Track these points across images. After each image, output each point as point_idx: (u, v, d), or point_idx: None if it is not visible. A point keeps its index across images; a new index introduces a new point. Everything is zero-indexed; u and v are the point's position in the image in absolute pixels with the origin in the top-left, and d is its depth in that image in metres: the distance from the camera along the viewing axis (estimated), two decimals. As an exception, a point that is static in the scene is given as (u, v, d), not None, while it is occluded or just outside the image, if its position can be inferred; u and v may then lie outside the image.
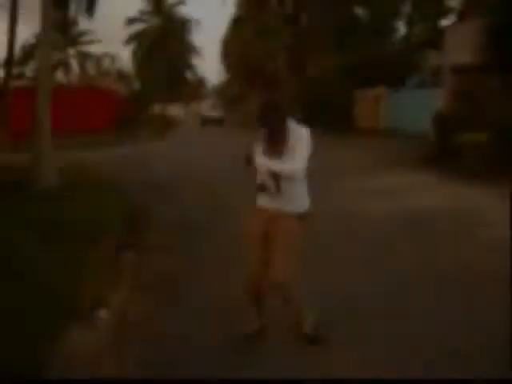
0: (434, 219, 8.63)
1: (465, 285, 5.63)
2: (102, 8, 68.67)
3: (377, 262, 6.48)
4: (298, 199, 4.21)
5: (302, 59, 39.62)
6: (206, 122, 56.83)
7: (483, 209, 9.29)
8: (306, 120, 4.28)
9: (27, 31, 55.37)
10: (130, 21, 57.10)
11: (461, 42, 17.59)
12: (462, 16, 32.12)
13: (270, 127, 4.05)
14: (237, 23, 44.79)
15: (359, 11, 39.37)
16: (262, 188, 4.15)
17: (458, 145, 13.61)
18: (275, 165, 4.01)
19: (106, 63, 77.14)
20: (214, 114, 61.97)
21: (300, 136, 4.02)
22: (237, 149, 5.33)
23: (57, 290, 5.22)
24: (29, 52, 45.89)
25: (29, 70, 47.99)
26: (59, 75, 44.06)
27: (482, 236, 7.52)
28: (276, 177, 4.05)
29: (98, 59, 62.81)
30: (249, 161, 4.11)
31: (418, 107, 22.38)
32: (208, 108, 70.52)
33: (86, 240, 7.24)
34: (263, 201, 4.25)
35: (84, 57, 47.35)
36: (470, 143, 13.09)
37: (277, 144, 4.06)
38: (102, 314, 5.14)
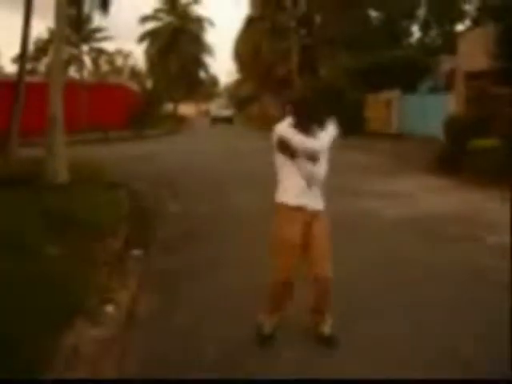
0: (444, 223, 8.60)
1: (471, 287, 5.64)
2: (115, 5, 68.66)
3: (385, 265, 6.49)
4: (322, 196, 4.35)
5: (314, 61, 39.61)
6: (216, 120, 57.57)
7: (493, 214, 9.25)
8: (316, 122, 4.26)
9: (41, 26, 55.50)
10: (144, 19, 57.11)
11: (474, 48, 17.54)
12: (476, 22, 32.07)
13: (312, 116, 4.21)
14: (250, 23, 44.78)
15: (373, 14, 39.32)
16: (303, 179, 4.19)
17: (470, 150, 13.57)
18: (313, 142, 4.12)
19: (120, 60, 77.76)
20: (224, 112, 63.06)
21: (329, 129, 4.22)
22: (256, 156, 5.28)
23: (65, 284, 5.26)
24: (42, 47, 46.19)
25: (42, 65, 48.35)
26: (72, 71, 44.29)
27: (490, 241, 7.50)
28: (313, 157, 4.15)
29: (111, 56, 63.20)
30: (282, 144, 4.15)
31: (430, 112, 22.31)
32: (218, 107, 71.11)
33: (96, 235, 7.29)
34: (299, 200, 4.21)
35: (97, 53, 47.48)
36: (482, 149, 13.05)
37: (308, 131, 4.17)
38: (109, 309, 5.18)
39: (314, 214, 4.25)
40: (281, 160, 4.25)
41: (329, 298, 4.37)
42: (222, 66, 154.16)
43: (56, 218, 7.70)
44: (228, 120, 57.27)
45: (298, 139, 4.08)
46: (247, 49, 44.14)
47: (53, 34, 15.16)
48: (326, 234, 4.32)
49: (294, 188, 4.21)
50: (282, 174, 4.30)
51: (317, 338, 4.41)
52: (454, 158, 14.04)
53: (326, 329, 4.40)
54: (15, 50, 57.54)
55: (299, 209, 4.21)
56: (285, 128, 4.17)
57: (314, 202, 4.25)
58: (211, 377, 3.59)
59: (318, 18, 41.06)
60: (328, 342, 4.34)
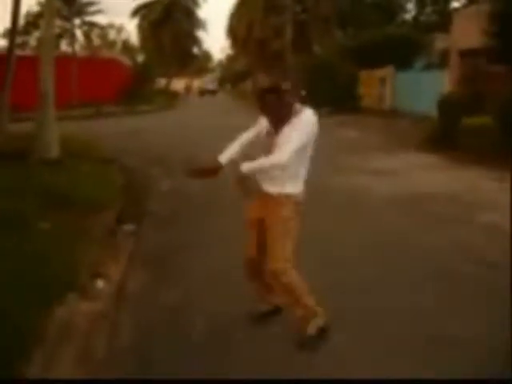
0: (436, 201, 8.62)
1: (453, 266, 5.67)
2: (108, -22, 67.73)
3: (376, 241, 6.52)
4: (291, 180, 3.90)
5: (308, 37, 39.37)
6: (203, 92, 69.54)
7: (484, 192, 9.29)
8: (309, 99, 4.10)
9: (31, 0, 54.77)
10: (138, -8, 56.56)
11: (469, 26, 17.45)
12: (471, 0, 31.88)
13: (269, 112, 3.80)
14: (244, -2, 44.40)
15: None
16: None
17: (463, 128, 13.57)
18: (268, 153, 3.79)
19: (112, 35, 77.07)
20: (210, 86, 74.84)
21: (297, 126, 3.70)
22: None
23: (56, 259, 5.26)
24: (33, 21, 45.63)
25: (33, 39, 47.82)
26: (64, 45, 43.84)
27: (479, 219, 7.53)
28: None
29: (103, 30, 62.51)
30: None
31: (423, 89, 22.24)
32: (207, 82, 79.81)
33: (87, 210, 7.29)
34: (258, 181, 3.95)
35: (89, 27, 46.96)
36: (474, 126, 13.06)
37: (276, 126, 3.82)
38: (100, 284, 5.20)
39: (272, 197, 3.90)
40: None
41: (295, 292, 3.93)
42: (216, 41, 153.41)
43: (47, 193, 7.67)
44: (212, 92, 70.28)
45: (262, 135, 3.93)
46: (241, 24, 43.75)
47: (43, 7, 14.96)
48: (279, 221, 3.88)
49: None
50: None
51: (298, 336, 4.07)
52: (447, 135, 14.05)
53: (309, 327, 4.02)
54: (5, 23, 56.90)
55: (260, 191, 3.96)
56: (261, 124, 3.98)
57: (271, 185, 3.90)
58: (211, 377, 3.60)
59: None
60: (306, 342, 4.00)
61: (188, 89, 74.13)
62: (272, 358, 3.89)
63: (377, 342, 4.06)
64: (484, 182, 10.13)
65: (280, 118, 3.77)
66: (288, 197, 3.88)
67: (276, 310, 4.42)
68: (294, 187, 3.90)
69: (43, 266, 5.00)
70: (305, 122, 3.72)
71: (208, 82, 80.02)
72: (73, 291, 4.77)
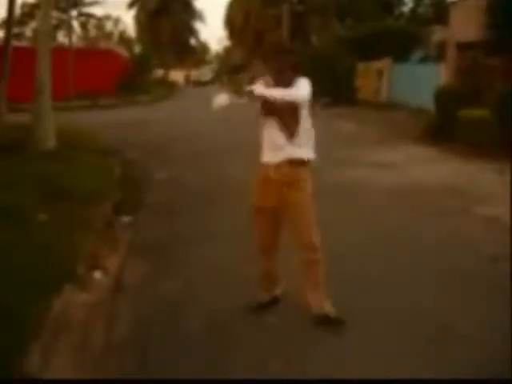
0: (433, 194, 8.63)
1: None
2: (105, -31, 67.27)
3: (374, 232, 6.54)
4: (310, 142, 4.09)
5: (306, 29, 39.27)
6: (196, 83, 71.61)
7: (483, 184, 9.30)
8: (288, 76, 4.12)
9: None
10: (134, -16, 56.32)
11: (466, 18, 17.44)
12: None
13: (280, 71, 3.99)
14: (242, -11, 44.25)
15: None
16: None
17: (460, 120, 13.58)
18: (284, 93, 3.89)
19: (109, 26, 76.77)
20: (203, 77, 76.68)
21: (301, 82, 3.95)
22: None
23: (54, 250, 5.27)
24: (29, 12, 45.36)
25: (29, 30, 47.57)
26: (61, 36, 43.66)
27: (479, 211, 7.54)
28: (289, 110, 3.93)
29: (100, 21, 62.27)
30: (252, 93, 3.91)
31: (420, 82, 22.20)
32: (200, 73, 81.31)
33: (84, 201, 7.29)
34: (275, 155, 4.01)
35: (86, 18, 46.74)
36: (471, 119, 13.07)
37: (281, 83, 3.96)
38: (98, 275, 5.21)
39: (292, 178, 4.01)
40: (262, 121, 4.08)
41: (320, 271, 4.13)
42: (213, 32, 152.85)
43: (44, 185, 7.68)
44: (205, 83, 71.55)
45: (275, 92, 3.88)
46: (238, 15, 43.65)
47: (40, -2, 14.88)
48: (307, 198, 4.07)
49: (272, 143, 4.03)
50: (263, 134, 4.11)
51: (319, 318, 4.12)
52: (444, 128, 14.06)
53: (328, 308, 4.12)
54: (1, 14, 56.63)
55: (276, 166, 4.00)
56: (260, 87, 3.97)
57: (297, 152, 3.99)
58: (211, 377, 3.62)
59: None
60: (334, 323, 4.07)
61: (188, 79, 75.20)
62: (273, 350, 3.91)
63: (375, 337, 4.08)
64: (482, 174, 10.14)
65: (287, 81, 3.95)
66: (309, 163, 4.09)
67: (275, 301, 4.46)
68: (311, 152, 4.09)
69: (41, 258, 5.01)
70: (307, 84, 3.95)
71: (201, 73, 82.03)
72: (71, 283, 4.78)
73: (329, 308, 4.13)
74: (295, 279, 4.36)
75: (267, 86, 3.98)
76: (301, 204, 4.05)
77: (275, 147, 4.01)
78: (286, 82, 3.95)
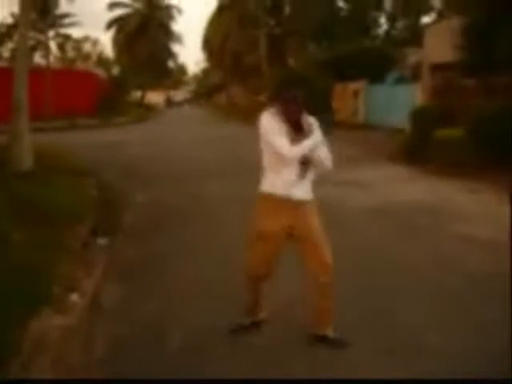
0: (409, 213, 8.71)
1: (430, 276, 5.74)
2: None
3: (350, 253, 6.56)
4: (310, 187, 4.15)
5: (283, 51, 39.63)
6: (171, 103, 78.03)
7: (457, 203, 9.40)
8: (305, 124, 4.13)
9: (5, 11, 54.29)
10: (112, 5, 56.32)
11: (440, 40, 17.74)
12: (442, 15, 32.44)
13: (295, 115, 3.97)
14: (220, 11, 44.54)
15: (342, 4, 39.46)
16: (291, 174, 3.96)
17: (435, 140, 13.76)
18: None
19: (87, 47, 76.70)
20: (177, 98, 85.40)
21: (313, 125, 3.99)
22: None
23: (30, 272, 5.21)
24: (6, 32, 45.18)
25: (6, 50, 47.35)
26: (38, 57, 43.53)
27: (453, 229, 7.61)
28: (306, 163, 3.99)
29: (78, 42, 62.23)
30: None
31: (396, 102, 22.51)
32: (175, 95, 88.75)
33: (60, 223, 7.23)
34: (283, 189, 3.98)
35: (64, 39, 46.71)
36: (446, 139, 13.24)
37: (297, 130, 3.97)
38: (74, 297, 5.16)
39: (301, 204, 4.03)
40: (267, 150, 4.02)
41: (332, 293, 4.14)
42: (191, 54, 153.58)
43: (20, 206, 7.61)
44: (179, 104, 79.54)
45: (278, 145, 3.85)
46: (216, 37, 43.95)
47: (17, 18, 14.89)
48: (318, 223, 4.13)
49: (283, 179, 3.97)
50: (268, 163, 4.06)
51: (319, 338, 4.19)
52: (419, 148, 14.22)
53: (331, 332, 4.20)
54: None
55: (287, 199, 3.98)
56: (269, 124, 3.94)
57: (302, 192, 4.03)
58: (211, 377, 3.59)
59: (286, 8, 41.02)
60: (333, 343, 4.14)
61: (169, 101, 78.93)
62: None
63: (353, 352, 4.09)
64: (457, 193, 10.25)
65: (300, 123, 3.99)
66: (314, 200, 4.16)
67: (257, 324, 4.44)
68: (311, 193, 4.16)
69: (17, 280, 4.95)
70: (317, 126, 4.01)
71: (176, 95, 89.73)
72: (47, 305, 4.73)
73: (331, 332, 4.20)
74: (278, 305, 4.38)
75: (280, 127, 3.96)
76: (315, 227, 4.08)
77: (283, 181, 3.98)
78: (299, 125, 4.00)
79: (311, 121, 4.02)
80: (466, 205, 9.28)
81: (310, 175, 4.10)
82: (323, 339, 4.18)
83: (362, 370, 3.82)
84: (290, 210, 4.00)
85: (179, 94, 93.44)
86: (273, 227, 4.02)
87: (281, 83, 25.60)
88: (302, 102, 3.97)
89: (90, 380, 3.62)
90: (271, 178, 4.03)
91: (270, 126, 3.91)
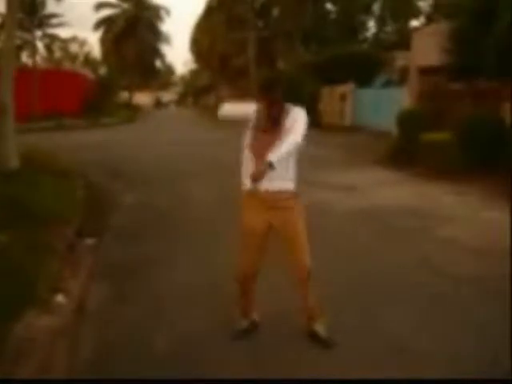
0: (396, 216, 8.73)
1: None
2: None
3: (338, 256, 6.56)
4: (294, 178, 4.08)
5: (271, 53, 39.69)
6: (160, 105, 79.59)
7: (444, 206, 9.44)
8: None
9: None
10: (100, 6, 56.16)
11: (428, 44, 17.82)
12: (430, 18, 32.63)
13: (271, 100, 3.88)
14: (208, 13, 44.52)
15: (330, 7, 39.63)
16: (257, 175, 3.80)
17: (422, 144, 13.82)
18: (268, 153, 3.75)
19: (74, 47, 76.39)
20: (164, 99, 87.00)
21: (296, 117, 3.95)
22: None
23: (15, 273, 5.17)
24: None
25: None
26: (24, 57, 43.32)
27: (440, 233, 7.63)
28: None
29: (65, 43, 61.92)
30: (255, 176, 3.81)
31: (383, 106, 22.59)
32: (162, 96, 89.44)
33: (46, 224, 7.18)
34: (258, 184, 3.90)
35: (51, 39, 46.45)
36: (433, 142, 13.31)
37: (273, 123, 3.92)
38: (60, 299, 5.12)
39: (278, 199, 3.99)
40: (243, 143, 4.05)
41: (312, 292, 4.16)
42: (179, 55, 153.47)
43: (5, 206, 7.54)
44: (165, 105, 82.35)
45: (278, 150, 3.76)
46: (204, 39, 43.94)
47: (4, 17, 14.78)
48: (299, 219, 4.11)
49: (249, 171, 3.94)
50: (243, 157, 4.07)
51: (311, 336, 4.24)
52: (406, 151, 14.28)
53: (320, 329, 4.23)
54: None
55: (256, 193, 3.97)
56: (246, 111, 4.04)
57: (276, 183, 3.94)
58: (210, 377, 3.57)
59: (275, 11, 41.11)
60: (323, 343, 4.17)
61: (158, 102, 79.96)
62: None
63: (342, 356, 4.09)
64: (444, 196, 10.29)
65: (280, 112, 3.93)
66: (297, 196, 4.10)
67: (254, 325, 4.42)
68: (293, 185, 4.08)
69: (1, 281, 4.91)
70: (301, 115, 3.98)
71: (164, 96, 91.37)
72: (32, 306, 4.68)
73: (320, 327, 4.23)
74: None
75: (259, 117, 3.97)
76: (290, 225, 4.07)
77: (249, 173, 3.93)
78: (278, 113, 3.94)
79: (294, 112, 3.99)
80: (452, 208, 9.32)
81: (283, 165, 3.91)
82: (313, 335, 4.23)
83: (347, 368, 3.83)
84: (266, 205, 4.02)
85: (167, 95, 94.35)
86: (255, 226, 4.07)
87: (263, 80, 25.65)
88: (279, 92, 3.91)
89: (90, 380, 3.58)
90: (243, 173, 4.07)
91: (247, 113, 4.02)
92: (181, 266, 6.20)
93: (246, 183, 3.99)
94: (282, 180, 3.98)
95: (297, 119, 3.93)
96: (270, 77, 4.00)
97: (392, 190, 10.93)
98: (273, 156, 3.70)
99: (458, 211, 9.04)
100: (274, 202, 4.01)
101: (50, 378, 3.56)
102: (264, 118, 3.95)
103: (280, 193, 4.00)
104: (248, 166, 3.98)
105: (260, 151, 3.86)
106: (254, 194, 4.00)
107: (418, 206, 9.45)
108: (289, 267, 4.20)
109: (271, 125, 3.93)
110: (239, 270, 4.23)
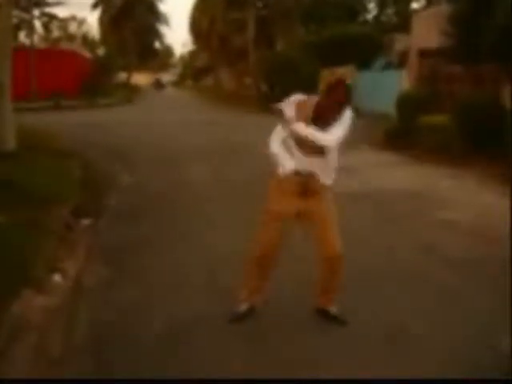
0: (394, 198, 8.74)
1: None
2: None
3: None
4: (332, 172, 4.16)
5: (270, 34, 39.42)
6: (158, 86, 76.26)
7: (442, 189, 9.45)
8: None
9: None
10: (98, -15, 55.76)
11: (428, 27, 17.75)
12: (430, 1, 32.42)
13: (341, 97, 3.81)
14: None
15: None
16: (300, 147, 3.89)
17: (421, 126, 13.81)
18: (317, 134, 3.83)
19: (73, 27, 75.89)
20: (162, 80, 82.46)
21: (346, 118, 3.92)
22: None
23: (12, 253, 5.18)
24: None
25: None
26: (22, 36, 42.96)
27: (438, 216, 7.66)
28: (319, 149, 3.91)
29: (63, 22, 61.48)
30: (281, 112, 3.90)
31: (383, 88, 22.53)
32: (165, 76, 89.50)
33: (43, 204, 7.17)
34: (298, 164, 3.96)
35: (49, 19, 46.06)
36: (431, 125, 13.30)
37: (325, 122, 3.88)
38: (57, 278, 5.14)
39: (315, 186, 4.03)
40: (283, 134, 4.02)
41: (339, 278, 4.25)
42: (178, 36, 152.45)
43: (2, 186, 7.53)
44: (163, 85, 78.47)
45: (303, 131, 3.84)
46: (203, 19, 43.56)
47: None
48: (330, 208, 4.18)
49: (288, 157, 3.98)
50: (282, 146, 4.04)
51: (322, 313, 4.34)
52: (405, 134, 14.27)
53: (333, 308, 4.33)
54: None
55: (297, 176, 3.98)
56: (291, 110, 3.93)
57: (318, 171, 4.01)
58: (210, 377, 3.59)
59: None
60: (335, 320, 4.28)
61: (158, 83, 77.09)
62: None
63: (340, 341, 4.11)
64: (441, 179, 10.31)
65: (339, 113, 3.89)
66: (331, 187, 4.15)
67: (252, 310, 4.39)
68: (332, 179, 4.16)
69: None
70: (347, 118, 3.92)
71: (163, 76, 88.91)
72: (29, 285, 4.70)
73: (333, 308, 4.34)
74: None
75: (304, 108, 3.93)
76: (323, 212, 4.11)
77: (294, 160, 3.97)
78: (337, 112, 3.89)
79: (345, 116, 3.93)
80: (449, 191, 9.33)
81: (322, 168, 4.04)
82: (325, 314, 4.33)
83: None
84: (300, 195, 4.04)
85: (166, 76, 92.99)
86: (282, 209, 4.08)
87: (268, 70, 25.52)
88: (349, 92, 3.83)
89: (90, 380, 3.60)
90: (283, 159, 4.03)
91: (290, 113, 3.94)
92: (179, 249, 6.20)
93: (289, 166, 3.98)
94: (324, 174, 4.06)
95: (341, 122, 3.90)
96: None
97: (390, 173, 10.94)
98: (299, 125, 3.82)
99: (455, 194, 9.07)
100: (310, 189, 4.03)
101: (49, 378, 3.57)
102: (320, 112, 3.90)
103: (318, 183, 4.04)
104: (290, 152, 3.98)
105: (304, 142, 3.89)
106: (290, 178, 3.98)
107: (416, 188, 9.46)
108: (317, 253, 4.19)
109: (322, 121, 3.88)
110: (256, 251, 4.21)
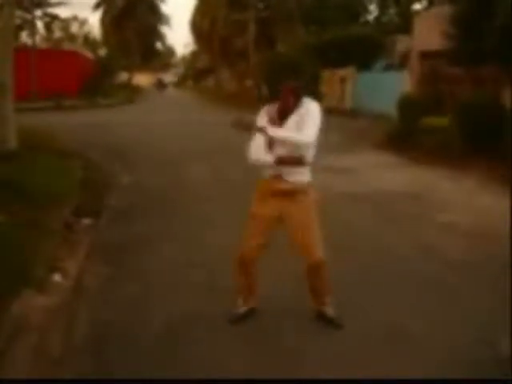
0: (394, 200, 8.73)
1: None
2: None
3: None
4: (310, 169, 4.16)
5: (271, 35, 39.40)
6: (162, 86, 73.96)
7: (442, 192, 9.43)
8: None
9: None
10: (100, -15, 55.79)
11: (429, 28, 17.74)
12: (432, 2, 32.41)
13: (287, 105, 3.92)
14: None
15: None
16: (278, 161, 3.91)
17: (421, 128, 13.80)
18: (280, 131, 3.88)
19: (74, 27, 75.93)
20: (164, 80, 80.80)
21: (308, 110, 3.93)
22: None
23: (12, 252, 5.18)
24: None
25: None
26: (24, 36, 43.01)
27: (438, 218, 7.64)
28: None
29: (65, 22, 61.51)
30: (241, 124, 3.90)
31: (384, 89, 22.52)
32: (167, 77, 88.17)
33: (44, 203, 7.18)
34: (273, 171, 4.02)
35: (51, 19, 46.07)
36: (432, 127, 13.29)
37: (285, 109, 3.96)
38: (57, 278, 5.14)
39: (294, 189, 4.03)
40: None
41: (325, 281, 4.24)
42: (180, 36, 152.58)
43: (3, 186, 7.54)
44: (165, 86, 76.36)
45: (279, 134, 3.87)
46: (204, 20, 43.56)
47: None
48: (310, 213, 4.12)
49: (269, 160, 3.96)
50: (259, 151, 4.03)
51: (319, 316, 4.33)
52: (405, 135, 14.26)
53: (329, 310, 4.31)
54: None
55: (276, 180, 4.02)
56: (261, 116, 4.03)
57: (294, 174, 4.02)
58: (210, 377, 3.59)
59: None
60: (331, 323, 4.26)
61: (160, 84, 76.42)
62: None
63: (341, 341, 4.11)
64: (441, 181, 10.30)
65: (290, 109, 3.95)
66: (311, 185, 4.14)
67: (251, 311, 4.40)
68: (310, 175, 4.16)
69: (-1, 260, 4.92)
70: (315, 110, 3.95)
71: (164, 77, 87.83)
72: (29, 285, 4.70)
73: (328, 309, 4.32)
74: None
75: (271, 113, 4.02)
76: (303, 214, 4.08)
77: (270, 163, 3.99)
78: (291, 110, 3.95)
79: (304, 107, 3.96)
80: (449, 193, 9.33)
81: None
82: (322, 316, 4.32)
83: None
84: (280, 196, 4.05)
85: (167, 77, 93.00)
86: (263, 211, 4.10)
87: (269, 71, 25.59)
88: (299, 91, 3.94)
89: (90, 380, 3.60)
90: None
91: (262, 120, 4.00)
92: (178, 248, 6.21)
93: (266, 171, 4.06)
94: (299, 173, 4.06)
95: (310, 115, 3.91)
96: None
97: (390, 174, 10.92)
98: (272, 130, 3.84)
99: (455, 196, 9.06)
100: (289, 192, 4.04)
101: (49, 378, 3.58)
102: (276, 110, 4.01)
103: (296, 184, 4.04)
104: (266, 155, 3.98)
105: (275, 144, 3.93)
106: (270, 181, 4.05)
107: (417, 191, 9.44)
108: (300, 256, 4.19)
109: (279, 118, 3.98)
110: (240, 252, 4.22)
